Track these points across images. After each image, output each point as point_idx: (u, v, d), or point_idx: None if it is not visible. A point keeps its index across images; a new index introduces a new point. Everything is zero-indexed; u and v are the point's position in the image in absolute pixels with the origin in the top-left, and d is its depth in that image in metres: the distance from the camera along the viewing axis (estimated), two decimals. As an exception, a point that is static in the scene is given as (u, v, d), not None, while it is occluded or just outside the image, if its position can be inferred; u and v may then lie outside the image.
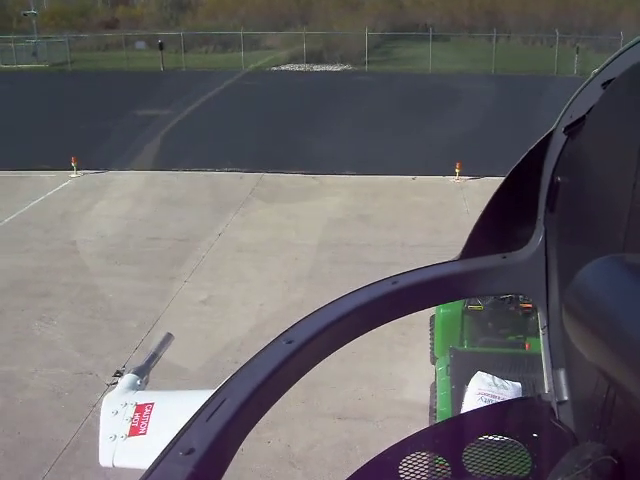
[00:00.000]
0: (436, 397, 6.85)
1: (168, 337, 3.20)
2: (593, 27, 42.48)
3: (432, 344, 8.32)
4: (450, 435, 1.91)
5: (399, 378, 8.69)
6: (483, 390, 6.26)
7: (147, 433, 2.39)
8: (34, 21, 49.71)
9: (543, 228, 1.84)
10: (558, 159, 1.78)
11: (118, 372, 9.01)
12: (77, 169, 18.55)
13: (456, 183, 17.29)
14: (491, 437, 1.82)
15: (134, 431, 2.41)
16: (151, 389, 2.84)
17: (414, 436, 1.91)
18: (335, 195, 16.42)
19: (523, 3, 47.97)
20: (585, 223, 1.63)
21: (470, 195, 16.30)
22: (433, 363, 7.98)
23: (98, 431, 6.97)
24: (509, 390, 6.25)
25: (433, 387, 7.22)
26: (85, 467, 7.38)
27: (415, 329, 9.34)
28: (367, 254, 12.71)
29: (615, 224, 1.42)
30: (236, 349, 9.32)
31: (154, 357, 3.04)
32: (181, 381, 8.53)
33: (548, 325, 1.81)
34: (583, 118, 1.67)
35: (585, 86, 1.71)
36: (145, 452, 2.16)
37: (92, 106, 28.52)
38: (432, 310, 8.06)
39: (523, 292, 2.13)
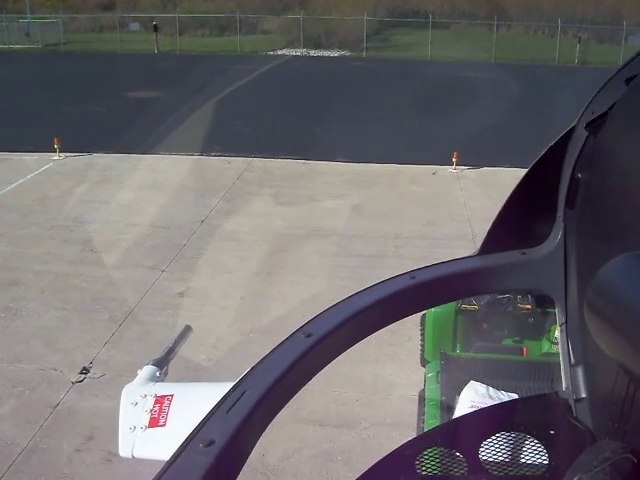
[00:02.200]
0: (424, 406, 6.22)
1: (187, 329, 3.34)
2: (595, 17, 41.82)
3: (423, 345, 7.68)
4: (467, 431, 1.88)
5: (386, 381, 8.07)
6: (476, 402, 5.63)
7: (166, 424, 2.45)
8: (27, 1, 48.95)
9: (563, 224, 1.82)
10: (579, 155, 1.76)
11: (85, 369, 8.43)
12: (60, 151, 17.83)
13: (453, 173, 16.63)
14: (508, 433, 1.80)
15: (154, 422, 2.47)
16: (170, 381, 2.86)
17: (431, 431, 2.06)
18: (326, 183, 15.75)
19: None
20: (605, 220, 1.60)
21: (467, 186, 15.66)
22: (423, 365, 7.35)
23: (58, 434, 6.26)
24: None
25: (422, 394, 6.59)
26: (41, 475, 6.75)
27: (406, 327, 8.71)
28: (358, 246, 12.07)
29: (636, 221, 1.40)
30: (211, 346, 8.70)
31: (173, 349, 3.11)
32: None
33: (567, 322, 1.80)
34: (605, 114, 1.64)
35: (608, 82, 1.69)
36: (164, 443, 2.29)
37: (81, 87, 27.85)
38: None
39: (542, 288, 1.98)
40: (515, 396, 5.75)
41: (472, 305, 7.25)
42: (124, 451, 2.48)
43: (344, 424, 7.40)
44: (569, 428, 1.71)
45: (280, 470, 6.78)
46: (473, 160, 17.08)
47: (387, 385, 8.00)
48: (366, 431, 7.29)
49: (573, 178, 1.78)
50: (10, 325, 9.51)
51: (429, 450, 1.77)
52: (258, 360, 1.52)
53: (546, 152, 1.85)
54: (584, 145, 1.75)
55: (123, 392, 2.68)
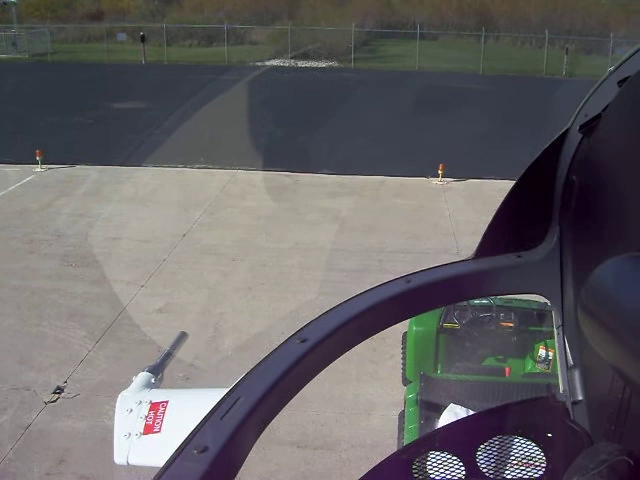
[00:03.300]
0: (404, 430, 6.06)
1: (182, 336, 3.31)
2: (582, 29, 41.96)
3: (404, 364, 7.51)
4: (464, 434, 1.87)
5: (366, 400, 7.90)
6: (455, 426, 5.47)
7: (161, 431, 2.44)
8: (14, 10, 48.72)
9: (558, 227, 1.83)
10: (573, 158, 1.77)
11: (59, 388, 8.23)
12: (42, 163, 17.63)
13: (438, 185, 16.51)
14: (505, 437, 1.80)
15: (149, 429, 2.46)
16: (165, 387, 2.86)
17: (428, 435, 2.08)
18: (310, 195, 15.59)
19: (513, 3, 47.40)
20: (600, 222, 1.62)
21: (452, 198, 15.54)
22: (404, 384, 7.19)
23: (28, 457, 6.02)
24: (485, 427, 5.46)
25: (401, 417, 6.42)
26: (9, 500, 6.55)
27: (387, 345, 8.57)
28: (341, 260, 11.91)
29: (631, 223, 1.41)
30: (188, 364, 8.50)
31: (168, 355, 3.07)
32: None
33: (563, 324, 1.80)
34: (598, 116, 1.66)
35: (600, 84, 1.70)
36: (159, 450, 2.29)
37: (66, 98, 27.61)
38: (405, 325, 7.27)
39: (538, 291, 1.95)
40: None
41: (454, 324, 7.10)
42: (119, 458, 2.46)
43: (323, 446, 7.22)
44: (566, 431, 1.71)
45: (256, 493, 6.60)
46: (459, 172, 16.97)
47: (368, 405, 7.83)
48: (345, 453, 7.12)
49: (568, 180, 1.78)
50: (-16, 342, 9.29)
51: (426, 455, 1.77)
52: (249, 369, 1.50)
53: (540, 155, 1.83)
54: (578, 147, 1.75)
55: (118, 399, 2.66)
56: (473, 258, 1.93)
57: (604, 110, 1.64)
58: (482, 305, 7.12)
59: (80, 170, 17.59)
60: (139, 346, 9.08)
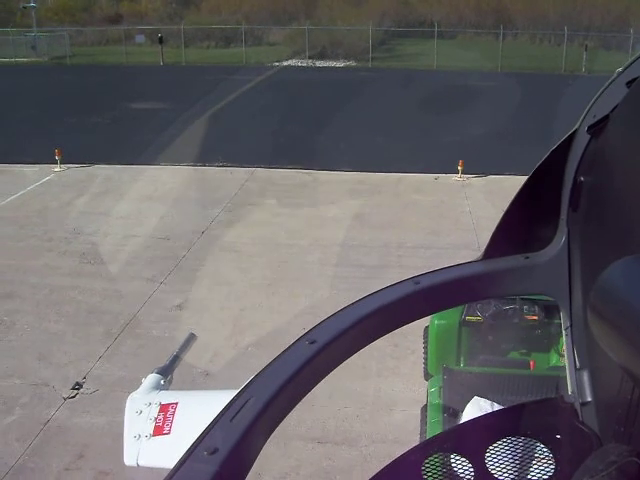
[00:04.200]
0: (427, 424, 5.93)
1: (191, 337, 3.26)
2: (602, 25, 41.53)
3: (426, 359, 7.38)
4: (473, 436, 1.87)
5: (388, 396, 7.77)
6: (480, 419, 5.34)
7: (171, 432, 2.45)
8: (33, 14, 49.05)
9: (566, 228, 1.81)
10: (581, 158, 1.76)
11: (77, 384, 8.19)
12: (61, 163, 17.65)
13: (458, 182, 16.35)
14: (514, 438, 1.79)
15: (158, 430, 2.47)
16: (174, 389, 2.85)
17: (437, 437, 2.00)
18: (329, 193, 15.48)
19: (531, 1, 47.03)
20: (609, 223, 1.60)
21: (472, 194, 15.38)
22: (426, 379, 7.05)
23: (47, 452, 5.96)
24: (511, 420, 5.33)
25: (424, 410, 6.29)
26: (28, 496, 6.49)
27: (409, 340, 8.43)
28: (360, 256, 11.80)
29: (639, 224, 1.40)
30: (208, 360, 8.43)
31: (177, 357, 3.07)
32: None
33: (571, 326, 1.79)
34: (607, 117, 1.65)
35: (608, 85, 1.69)
36: (169, 451, 2.27)
37: (85, 99, 27.72)
38: (426, 320, 7.13)
39: (546, 292, 1.94)
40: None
41: (477, 317, 6.96)
42: (129, 459, 2.46)
43: (344, 441, 7.11)
44: (575, 432, 1.71)
45: (277, 490, 6.50)
46: (479, 168, 16.80)
47: (389, 400, 7.70)
48: (367, 448, 7.00)
49: (576, 181, 1.76)
50: (3, 339, 9.28)
51: (435, 456, 1.77)
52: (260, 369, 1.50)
53: (549, 156, 1.82)
54: (586, 148, 1.74)
55: (128, 401, 2.66)
56: (481, 259, 1.94)
57: (612, 111, 1.64)
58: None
59: (99, 169, 17.60)
60: (158, 342, 9.01)
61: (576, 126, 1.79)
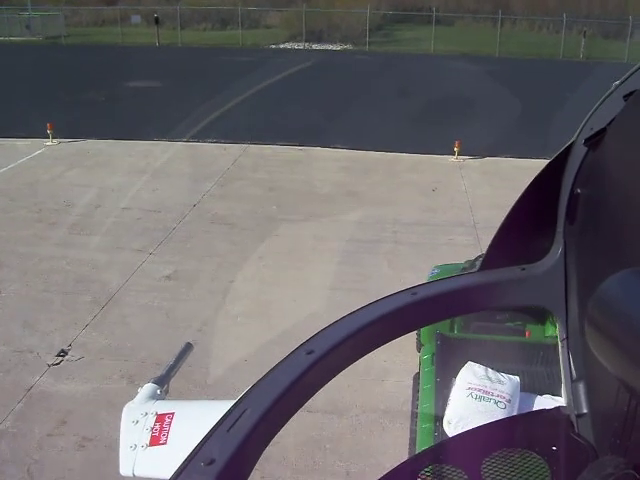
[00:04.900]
0: (419, 390, 5.79)
1: (188, 347, 3.22)
2: (600, 13, 41.36)
3: (419, 329, 7.23)
4: (468, 447, 1.87)
5: (379, 367, 7.60)
6: (474, 384, 5.19)
7: (167, 443, 2.45)
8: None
9: (562, 240, 1.83)
10: (578, 171, 1.76)
11: (63, 351, 8.03)
12: (53, 137, 17.43)
13: (455, 162, 16.17)
14: (510, 450, 1.78)
15: (154, 441, 2.46)
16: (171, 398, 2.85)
17: (432, 448, 2.14)
18: (323, 170, 15.29)
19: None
20: (605, 236, 1.60)
21: (469, 174, 15.20)
22: (419, 351, 6.92)
23: (29, 418, 5.77)
24: (505, 385, 5.18)
25: (416, 378, 6.15)
26: (8, 461, 6.33)
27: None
28: (355, 231, 11.62)
29: (636, 237, 1.41)
30: (196, 329, 8.28)
31: (174, 367, 3.04)
32: (128, 364, 7.53)
33: (567, 337, 1.79)
34: (604, 130, 1.65)
35: (606, 98, 1.69)
36: (165, 462, 2.29)
37: (79, 78, 27.45)
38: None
39: (542, 304, 1.95)
40: (516, 379, 5.32)
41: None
42: (125, 470, 2.46)
43: (334, 411, 6.96)
44: (571, 444, 1.71)
45: (264, 458, 6.29)
46: (475, 150, 16.62)
47: (381, 371, 7.54)
48: (357, 418, 6.86)
49: (573, 193, 1.77)
50: (-11, 307, 9.09)
51: (430, 467, 1.77)
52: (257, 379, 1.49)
53: (546, 167, 1.82)
54: (583, 160, 1.75)
55: (124, 410, 2.63)
56: (478, 270, 1.94)
57: (609, 124, 1.63)
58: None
59: (92, 144, 17.37)
60: (146, 311, 8.87)
61: (573, 138, 1.79)
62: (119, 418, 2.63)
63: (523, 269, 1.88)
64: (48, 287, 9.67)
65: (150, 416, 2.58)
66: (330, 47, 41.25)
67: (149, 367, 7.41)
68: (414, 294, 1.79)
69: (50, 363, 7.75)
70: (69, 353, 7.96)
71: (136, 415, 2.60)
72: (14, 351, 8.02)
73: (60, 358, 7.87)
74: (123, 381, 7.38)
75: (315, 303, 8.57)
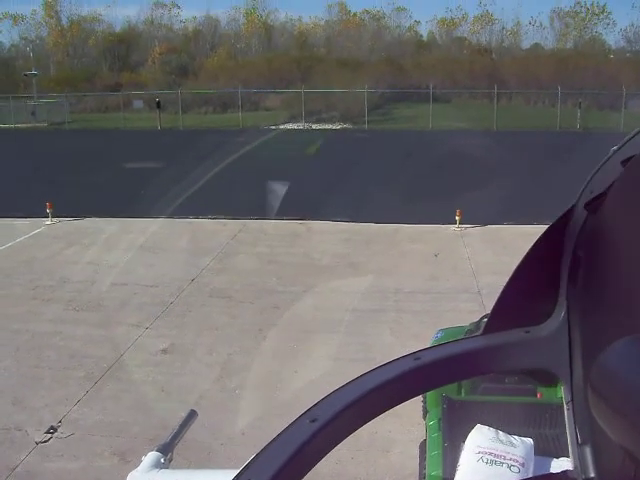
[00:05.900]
0: (425, 458, 5.43)
1: (192, 414, 3.12)
2: (594, 85, 42.17)
3: (424, 396, 6.89)
4: None
5: (385, 438, 7.24)
6: (484, 448, 4.85)
7: None
8: (34, 82, 49.81)
9: (565, 302, 1.72)
10: (579, 234, 1.72)
11: (52, 428, 7.68)
12: (53, 216, 17.42)
13: (456, 231, 16.03)
14: None
15: None
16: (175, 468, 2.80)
17: None
18: (323, 242, 15.14)
19: (523, 65, 47.82)
20: (608, 300, 1.51)
21: (471, 242, 15.03)
22: (425, 418, 6.57)
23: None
24: (518, 448, 4.83)
25: (423, 446, 5.79)
26: None
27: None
28: (356, 301, 11.36)
29: (637, 302, 1.33)
30: (193, 403, 7.92)
31: (178, 434, 2.93)
32: (120, 440, 7.17)
33: (572, 400, 1.67)
34: (604, 194, 1.62)
35: (604, 163, 1.65)
36: None
37: (80, 160, 27.69)
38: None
39: (547, 367, 1.77)
40: (530, 441, 4.98)
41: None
42: None
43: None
44: None
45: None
46: (476, 219, 16.52)
47: (386, 442, 7.17)
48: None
49: (574, 257, 1.74)
50: (-22, 384, 8.77)
51: None
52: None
53: (547, 231, 1.79)
54: (584, 224, 1.73)
55: (127, 479, 2.57)
56: (482, 334, 1.84)
57: (609, 188, 1.62)
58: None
59: (90, 222, 17.35)
60: (140, 386, 8.53)
61: (573, 202, 1.74)
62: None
63: (527, 332, 1.78)
64: (40, 363, 9.37)
65: None
66: (329, 126, 41.82)
67: (141, 443, 7.04)
68: (417, 359, 1.68)
69: (38, 440, 7.38)
70: (59, 430, 7.60)
71: None
72: (1, 429, 7.66)
73: (49, 435, 7.51)
74: (114, 458, 7.01)
75: (316, 373, 8.26)
